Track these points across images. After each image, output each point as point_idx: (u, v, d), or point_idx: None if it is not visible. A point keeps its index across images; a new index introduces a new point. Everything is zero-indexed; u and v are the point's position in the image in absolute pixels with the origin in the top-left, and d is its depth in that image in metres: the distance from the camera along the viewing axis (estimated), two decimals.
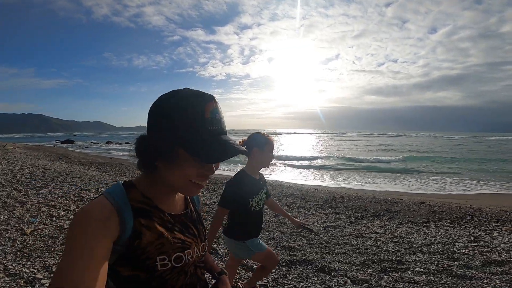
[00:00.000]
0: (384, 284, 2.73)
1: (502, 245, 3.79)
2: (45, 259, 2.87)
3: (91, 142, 47.64)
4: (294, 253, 3.57)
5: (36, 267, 2.69)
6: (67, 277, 0.52)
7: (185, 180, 0.68)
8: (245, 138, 1.98)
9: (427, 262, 3.27)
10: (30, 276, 2.51)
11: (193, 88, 0.70)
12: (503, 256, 3.38)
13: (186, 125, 0.65)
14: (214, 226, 1.88)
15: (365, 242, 4.09)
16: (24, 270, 2.60)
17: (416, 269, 3.08)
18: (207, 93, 0.69)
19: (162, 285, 0.70)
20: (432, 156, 22.61)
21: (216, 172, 0.73)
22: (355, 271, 3.04)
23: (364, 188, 10.47)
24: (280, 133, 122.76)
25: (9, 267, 2.62)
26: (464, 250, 3.65)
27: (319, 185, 10.88)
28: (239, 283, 2.46)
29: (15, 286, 2.33)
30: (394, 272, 3.03)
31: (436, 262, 3.28)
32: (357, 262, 3.27)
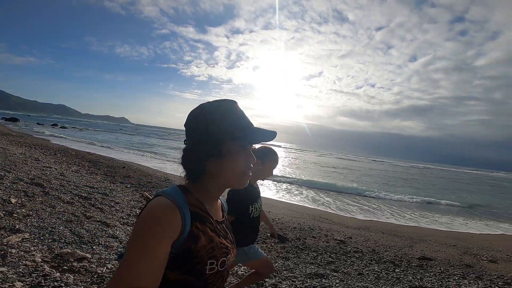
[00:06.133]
0: None
1: None
2: None
3: (37, 123, 48.42)
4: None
5: None
6: (131, 276, 0.54)
7: (239, 172, 0.77)
8: (255, 147, 1.93)
9: None
10: None
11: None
12: None
13: (227, 120, 0.76)
14: None
15: None
16: None
17: None
18: (230, 99, 0.82)
19: None
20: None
21: None
22: None
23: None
24: None
25: None
26: None
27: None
28: None
29: None
30: None
31: None
32: None
